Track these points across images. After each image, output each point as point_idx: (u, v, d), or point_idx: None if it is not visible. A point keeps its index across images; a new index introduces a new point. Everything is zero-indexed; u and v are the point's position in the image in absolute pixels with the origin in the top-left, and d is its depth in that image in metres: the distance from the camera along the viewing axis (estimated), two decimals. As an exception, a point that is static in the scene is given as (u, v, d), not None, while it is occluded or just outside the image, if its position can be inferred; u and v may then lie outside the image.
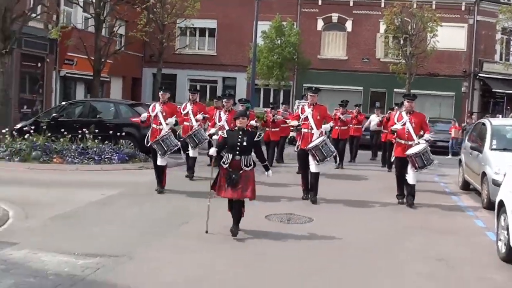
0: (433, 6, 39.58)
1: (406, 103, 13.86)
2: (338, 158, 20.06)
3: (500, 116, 39.28)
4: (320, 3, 42.20)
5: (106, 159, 17.87)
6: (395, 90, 39.15)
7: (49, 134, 18.62)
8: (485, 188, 13.34)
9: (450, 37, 39.55)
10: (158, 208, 12.05)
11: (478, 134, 15.93)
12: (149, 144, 13.96)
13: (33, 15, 22.61)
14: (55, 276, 7.27)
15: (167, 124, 13.81)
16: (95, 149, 18.13)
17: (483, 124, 15.69)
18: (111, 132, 19.40)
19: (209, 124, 16.53)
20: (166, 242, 9.36)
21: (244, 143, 9.85)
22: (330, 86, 38.32)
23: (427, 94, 38.40)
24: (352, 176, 18.99)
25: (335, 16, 42.41)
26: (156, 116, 13.98)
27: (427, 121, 14.55)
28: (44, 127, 18.91)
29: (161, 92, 14.40)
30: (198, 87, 42.07)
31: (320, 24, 42.68)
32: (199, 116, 16.07)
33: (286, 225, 11.04)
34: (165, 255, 8.59)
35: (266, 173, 10.34)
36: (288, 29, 38.65)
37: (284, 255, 8.98)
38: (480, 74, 41.86)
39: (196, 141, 15.65)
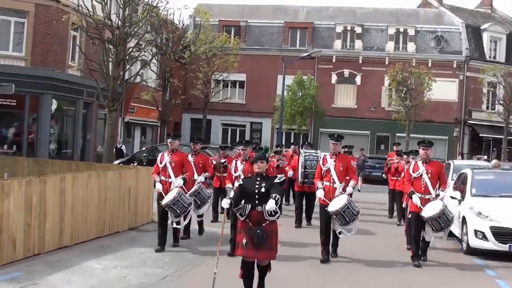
0: (429, 64, 44.95)
1: (421, 151, 12.22)
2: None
3: (486, 157, 45.15)
4: (334, 60, 47.54)
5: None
6: (397, 134, 43.74)
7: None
8: (449, 204, 18.93)
9: (444, 89, 44.32)
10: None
11: (445, 170, 22.30)
12: (160, 204, 12.29)
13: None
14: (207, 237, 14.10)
15: (176, 186, 12.14)
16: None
17: (449, 164, 22.58)
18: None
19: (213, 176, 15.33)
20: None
21: (263, 190, 8.26)
22: (342, 131, 38.93)
23: (424, 138, 43.35)
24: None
25: (346, 72, 47.63)
26: (165, 167, 12.42)
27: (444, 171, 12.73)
28: (144, 163, 25.96)
29: (170, 139, 12.71)
30: (229, 131, 49.54)
31: (334, 78, 47.77)
32: (201, 178, 13.80)
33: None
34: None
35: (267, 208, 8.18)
36: (307, 83, 44.59)
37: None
38: (469, 121, 46.75)
39: (199, 202, 13.45)
